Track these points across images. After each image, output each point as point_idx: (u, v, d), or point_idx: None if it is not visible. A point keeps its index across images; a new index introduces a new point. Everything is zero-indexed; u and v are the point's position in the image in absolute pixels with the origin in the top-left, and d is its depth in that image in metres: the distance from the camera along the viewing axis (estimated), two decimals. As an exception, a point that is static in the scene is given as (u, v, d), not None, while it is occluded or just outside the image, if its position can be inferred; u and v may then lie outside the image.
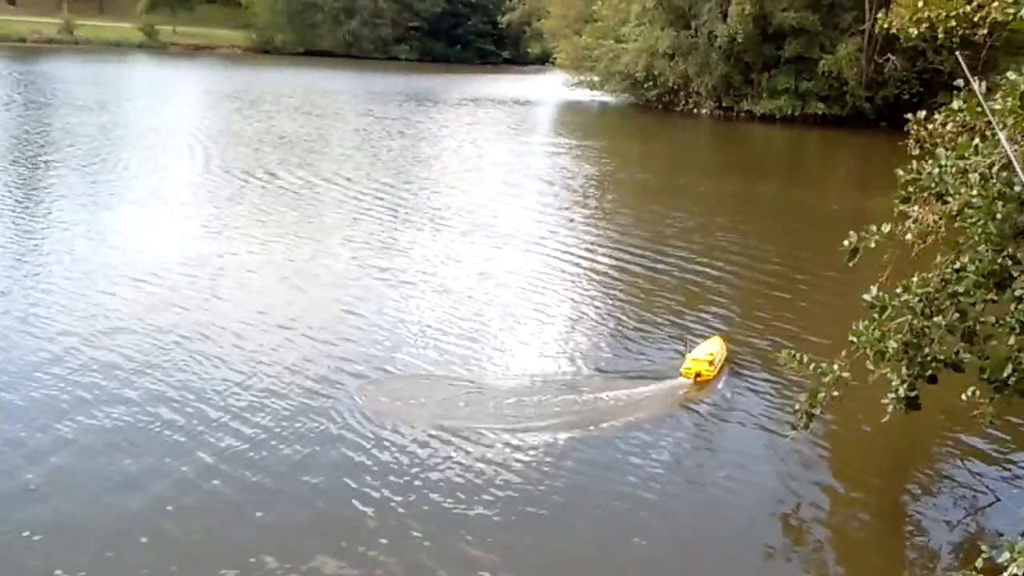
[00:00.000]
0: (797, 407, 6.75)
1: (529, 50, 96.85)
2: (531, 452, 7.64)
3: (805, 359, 6.47)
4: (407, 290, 12.25)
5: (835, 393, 6.33)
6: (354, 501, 6.71)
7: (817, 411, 6.60)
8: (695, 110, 46.43)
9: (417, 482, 7.00)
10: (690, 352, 9.57)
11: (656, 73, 45.88)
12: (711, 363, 9.40)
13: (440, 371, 9.35)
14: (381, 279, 12.70)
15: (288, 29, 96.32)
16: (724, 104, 45.75)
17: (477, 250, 14.68)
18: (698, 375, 9.25)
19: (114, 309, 10.76)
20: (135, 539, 6.08)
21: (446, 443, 7.70)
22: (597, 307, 11.96)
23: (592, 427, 8.16)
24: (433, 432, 7.88)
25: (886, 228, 6.13)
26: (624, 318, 11.51)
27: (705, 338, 10.17)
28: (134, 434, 7.61)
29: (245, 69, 67.67)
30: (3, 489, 6.64)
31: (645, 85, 47.28)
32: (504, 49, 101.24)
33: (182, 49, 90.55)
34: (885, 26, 15.11)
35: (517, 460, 7.47)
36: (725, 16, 42.40)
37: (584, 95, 53.71)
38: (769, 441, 8.15)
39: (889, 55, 39.41)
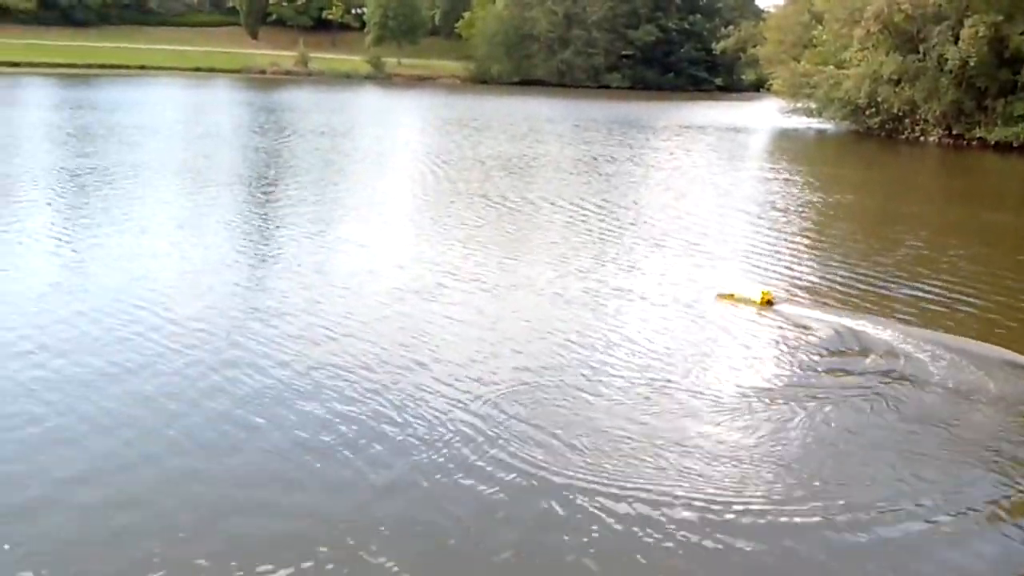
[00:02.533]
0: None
1: (743, 77, 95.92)
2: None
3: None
4: (652, 309, 12.57)
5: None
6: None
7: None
8: (921, 138, 44.72)
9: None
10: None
11: (879, 99, 44.54)
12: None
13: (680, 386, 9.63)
14: (624, 297, 13.07)
15: (505, 59, 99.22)
16: (954, 131, 43.83)
17: (705, 273, 14.79)
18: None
19: (364, 322, 11.54)
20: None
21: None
22: (831, 329, 11.88)
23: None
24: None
25: None
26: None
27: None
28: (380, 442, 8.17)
29: (465, 97, 70.36)
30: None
31: (867, 112, 45.98)
32: (717, 76, 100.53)
33: (405, 79, 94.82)
34: None
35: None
36: (956, 39, 40.66)
37: (801, 122, 52.74)
38: None
39: None
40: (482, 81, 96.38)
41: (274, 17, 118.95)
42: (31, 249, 14.42)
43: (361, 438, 7.87)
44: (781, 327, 11.78)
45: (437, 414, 8.41)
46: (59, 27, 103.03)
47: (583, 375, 9.67)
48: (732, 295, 12.97)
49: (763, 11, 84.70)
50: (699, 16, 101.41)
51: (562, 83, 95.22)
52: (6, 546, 6.00)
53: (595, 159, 31.14)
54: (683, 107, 69.68)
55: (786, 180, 28.37)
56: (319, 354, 9.95)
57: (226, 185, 22.67)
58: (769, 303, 12.55)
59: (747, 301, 12.69)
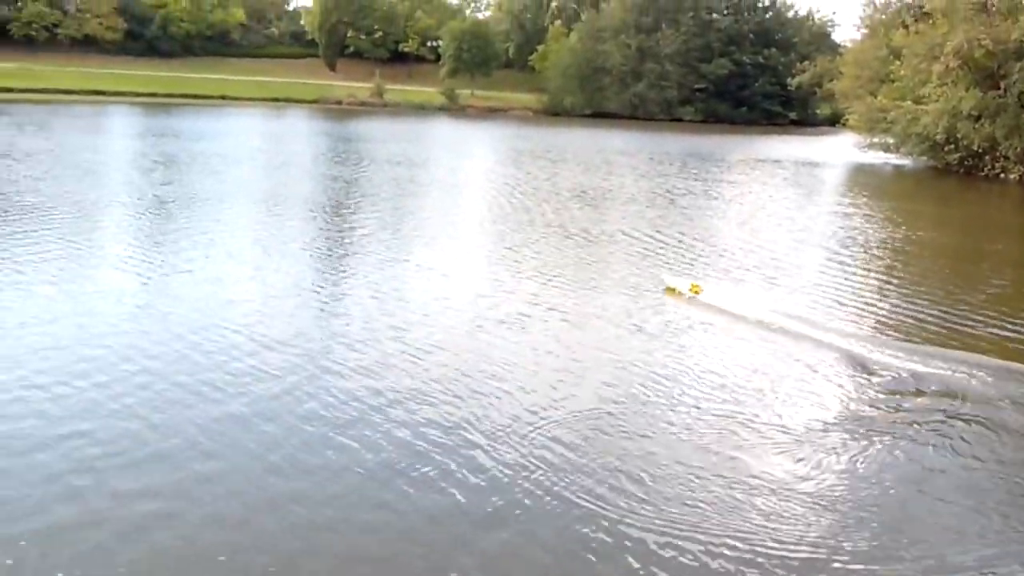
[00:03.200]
0: None
1: (818, 111, 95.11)
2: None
3: None
4: (729, 343, 12.65)
5: None
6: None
7: None
8: (1001, 175, 43.87)
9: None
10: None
11: (959, 135, 43.85)
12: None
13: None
14: (701, 330, 13.15)
15: (577, 92, 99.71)
16: (1037, 169, 43.04)
17: (782, 308, 14.77)
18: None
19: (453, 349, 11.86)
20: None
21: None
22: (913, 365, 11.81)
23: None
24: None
25: None
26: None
27: None
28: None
29: (538, 129, 70.98)
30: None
31: (946, 148, 45.29)
32: (792, 110, 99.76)
33: (478, 111, 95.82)
34: None
35: None
36: (1040, 75, 40.03)
37: (877, 157, 52.16)
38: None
39: None
40: (554, 113, 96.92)
41: (352, 50, 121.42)
42: (123, 273, 14.91)
43: (453, 466, 8.05)
44: (858, 363, 11.71)
45: (524, 444, 8.57)
46: (144, 58, 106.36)
47: (662, 406, 9.79)
48: (674, 289, 15.14)
49: (839, 46, 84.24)
50: (774, 50, 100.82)
51: (634, 116, 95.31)
52: (120, 567, 6.28)
53: (670, 192, 31.20)
54: (757, 141, 69.39)
55: (864, 215, 28.10)
56: (408, 381, 10.17)
57: (307, 212, 23.23)
58: (696, 294, 14.70)
59: (680, 293, 14.93)
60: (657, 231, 22.10)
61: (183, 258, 16.46)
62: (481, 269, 17.11)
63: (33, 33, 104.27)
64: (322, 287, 14.81)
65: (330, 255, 18.04)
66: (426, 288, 15.06)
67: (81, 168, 29.46)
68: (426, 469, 7.98)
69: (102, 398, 9.16)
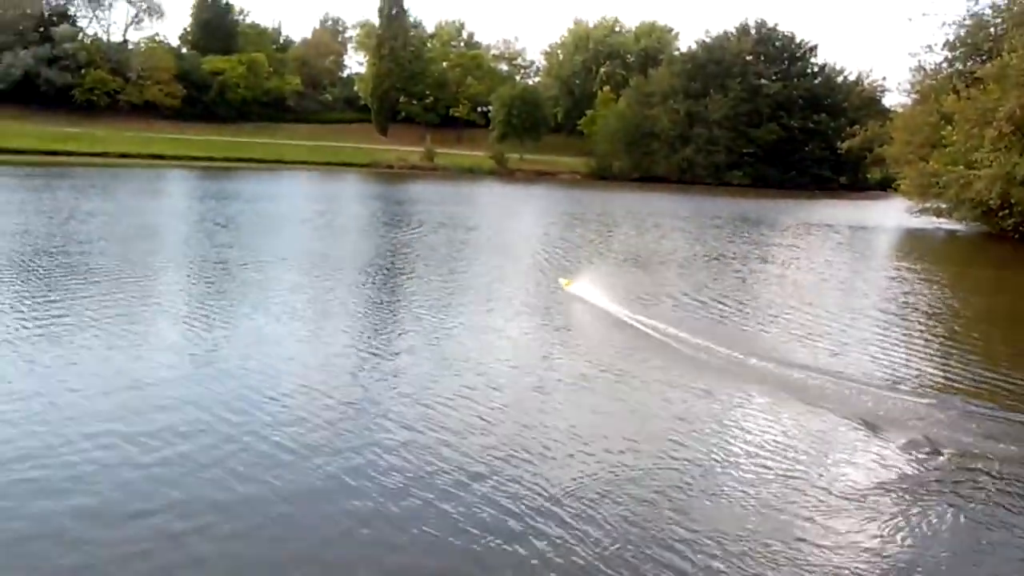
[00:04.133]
0: None
1: (868, 176, 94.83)
2: None
3: None
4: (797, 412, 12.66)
5: None
6: None
7: None
8: (1059, 240, 43.42)
9: None
10: None
11: (1012, 201, 43.46)
12: None
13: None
14: (763, 394, 13.20)
15: (625, 156, 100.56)
16: (1094, 235, 42.50)
17: (838, 369, 14.72)
18: None
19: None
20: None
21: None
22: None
23: None
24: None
25: None
26: None
27: None
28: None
29: (587, 192, 71.61)
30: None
31: (1000, 213, 44.88)
32: (842, 175, 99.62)
33: (527, 174, 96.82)
34: None
35: None
36: (1094, 142, 39.69)
37: (929, 223, 51.79)
38: None
39: None
40: (602, 177, 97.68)
41: (403, 115, 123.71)
42: (188, 331, 15.23)
43: (537, 525, 8.21)
44: (928, 424, 11.63)
45: (599, 509, 8.65)
46: (201, 123, 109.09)
47: (724, 469, 9.81)
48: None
49: (890, 110, 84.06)
50: (824, 115, 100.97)
51: (682, 180, 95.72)
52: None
53: (723, 256, 31.25)
54: (808, 205, 69.31)
55: (919, 280, 27.90)
56: (482, 442, 10.29)
57: (363, 273, 23.68)
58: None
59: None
60: (714, 295, 22.14)
61: (244, 316, 16.81)
62: (542, 331, 17.19)
63: (95, 99, 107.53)
64: (383, 348, 14.99)
65: (389, 315, 18.33)
66: (490, 350, 15.18)
67: (142, 229, 30.32)
68: (511, 525, 8.17)
69: (176, 465, 9.22)
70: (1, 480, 8.63)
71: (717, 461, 10.08)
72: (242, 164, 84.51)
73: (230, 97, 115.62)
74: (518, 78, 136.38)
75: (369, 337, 15.77)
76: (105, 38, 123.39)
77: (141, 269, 21.85)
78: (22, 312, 15.86)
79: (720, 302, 21.15)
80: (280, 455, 9.63)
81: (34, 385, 11.60)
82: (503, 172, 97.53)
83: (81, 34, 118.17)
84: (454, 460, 9.68)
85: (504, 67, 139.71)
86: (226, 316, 16.77)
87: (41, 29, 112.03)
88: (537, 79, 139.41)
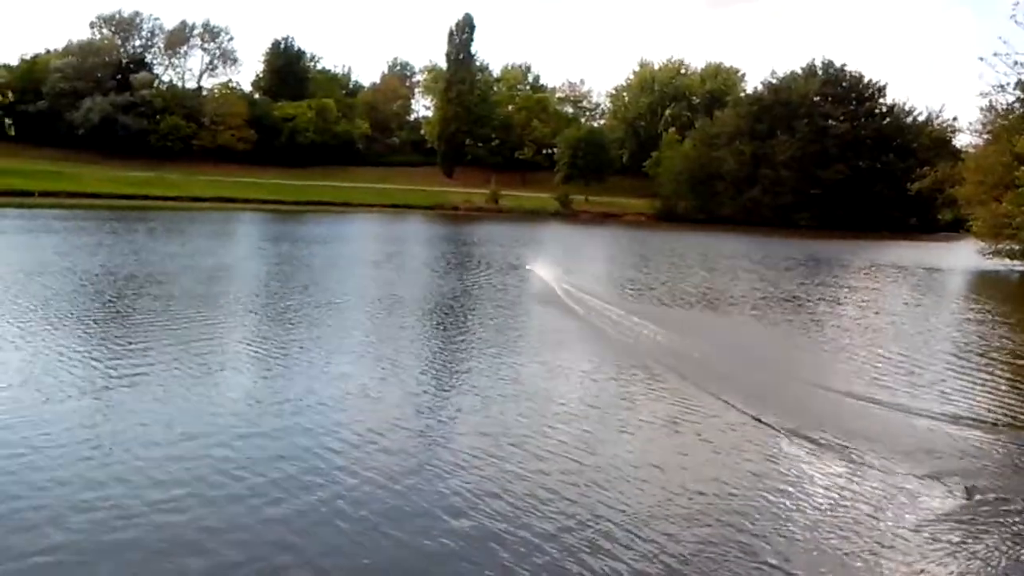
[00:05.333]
0: None
1: (940, 217, 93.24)
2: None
3: None
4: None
5: None
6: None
7: None
8: None
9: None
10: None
11: (1086, 244, 42.63)
12: None
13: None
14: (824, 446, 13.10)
15: (691, 197, 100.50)
16: None
17: (916, 416, 14.54)
18: None
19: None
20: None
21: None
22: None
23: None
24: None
25: None
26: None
27: None
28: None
29: (653, 233, 71.59)
30: None
31: (1076, 255, 44.03)
32: (911, 216, 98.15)
33: (591, 216, 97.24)
34: None
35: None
36: None
37: (1001, 264, 50.80)
38: None
39: None
40: (667, 219, 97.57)
41: (469, 157, 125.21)
42: (263, 366, 15.63)
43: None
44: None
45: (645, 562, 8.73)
46: (272, 167, 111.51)
47: (774, 526, 9.53)
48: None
49: (961, 151, 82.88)
50: (893, 156, 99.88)
51: (749, 221, 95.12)
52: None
53: (795, 297, 30.99)
54: (877, 246, 68.43)
55: (995, 322, 27.42)
56: (572, 494, 10.14)
57: (431, 312, 24.00)
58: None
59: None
60: (785, 336, 22.04)
61: (317, 353, 17.07)
62: (611, 371, 17.18)
63: (169, 144, 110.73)
64: (455, 386, 15.16)
65: (455, 354, 18.47)
66: (564, 389, 15.19)
67: (219, 271, 31.13)
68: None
69: (245, 506, 9.25)
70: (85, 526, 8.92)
71: (778, 517, 10.01)
72: (311, 207, 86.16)
73: (300, 141, 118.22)
74: (583, 120, 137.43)
75: (439, 376, 15.96)
76: (180, 85, 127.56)
77: (221, 310, 22.29)
78: (107, 350, 16.39)
79: (782, 344, 21.03)
80: (347, 494, 9.71)
81: (122, 425, 11.96)
82: (568, 214, 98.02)
83: (157, 81, 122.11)
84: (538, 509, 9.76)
85: (569, 109, 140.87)
86: (295, 354, 17.04)
87: (119, 76, 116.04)
88: (602, 121, 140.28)
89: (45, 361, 15.04)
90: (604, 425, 12.95)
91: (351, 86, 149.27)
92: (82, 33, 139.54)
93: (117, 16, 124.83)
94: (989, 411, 14.95)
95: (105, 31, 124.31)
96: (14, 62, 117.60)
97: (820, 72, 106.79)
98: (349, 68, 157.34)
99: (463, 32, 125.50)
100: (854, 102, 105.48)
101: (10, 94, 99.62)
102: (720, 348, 19.68)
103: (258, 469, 10.22)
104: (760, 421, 13.31)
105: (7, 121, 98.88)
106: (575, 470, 10.73)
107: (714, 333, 21.99)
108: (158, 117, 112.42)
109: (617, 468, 10.92)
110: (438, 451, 11.31)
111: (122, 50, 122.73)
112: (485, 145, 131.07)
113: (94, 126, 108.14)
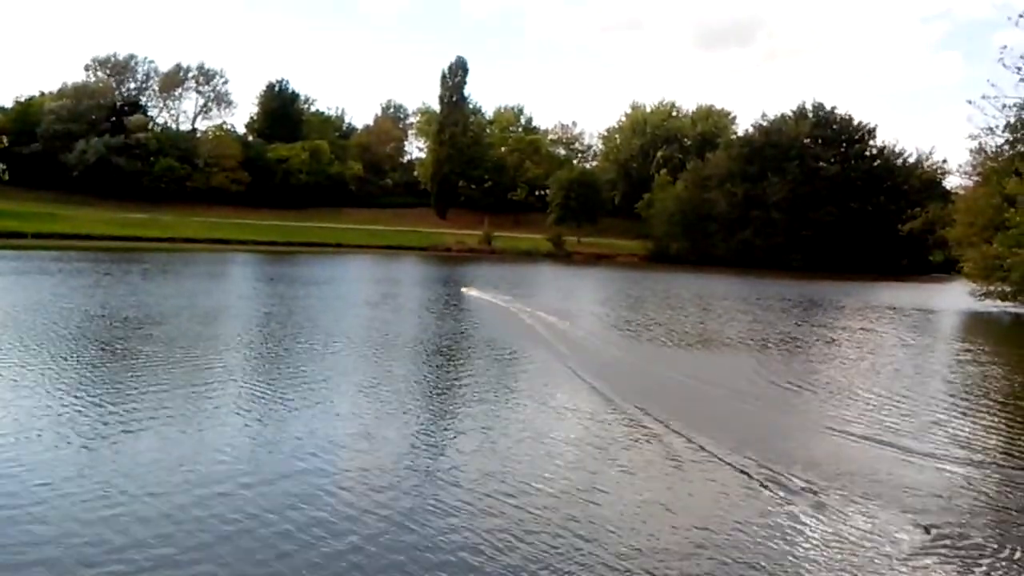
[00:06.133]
0: None
1: (931, 258, 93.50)
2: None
3: None
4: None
5: None
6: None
7: None
8: None
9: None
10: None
11: (1079, 285, 42.86)
12: None
13: None
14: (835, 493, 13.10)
15: (683, 238, 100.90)
16: None
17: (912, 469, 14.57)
18: None
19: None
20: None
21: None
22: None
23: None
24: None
25: None
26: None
27: None
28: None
29: (646, 275, 71.65)
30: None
31: (1067, 297, 44.23)
32: (902, 257, 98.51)
33: (584, 257, 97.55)
34: None
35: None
36: None
37: (993, 306, 51.01)
38: None
39: None
40: (660, 260, 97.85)
41: (462, 199, 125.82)
42: (266, 408, 15.62)
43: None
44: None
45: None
46: (266, 208, 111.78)
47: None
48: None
49: (951, 192, 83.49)
50: (883, 197, 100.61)
51: (740, 262, 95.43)
52: None
53: (793, 338, 31.10)
54: (869, 287, 68.76)
55: (987, 363, 27.54)
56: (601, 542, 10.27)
57: (427, 353, 23.97)
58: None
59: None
60: (788, 378, 22.08)
61: (311, 396, 17.08)
62: (609, 413, 17.17)
63: (163, 185, 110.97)
64: (472, 428, 15.17)
65: (453, 395, 18.49)
66: (568, 429, 15.26)
67: (214, 312, 31.18)
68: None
69: (253, 561, 9.18)
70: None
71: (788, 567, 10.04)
72: (305, 248, 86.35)
73: (293, 183, 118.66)
74: (576, 162, 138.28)
75: (439, 418, 16.02)
76: (175, 127, 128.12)
77: (221, 351, 22.30)
78: (109, 393, 16.40)
79: (798, 386, 21.08)
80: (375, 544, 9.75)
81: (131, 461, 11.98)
82: (560, 255, 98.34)
83: (151, 123, 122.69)
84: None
85: (562, 151, 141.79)
86: (292, 394, 17.05)
87: (113, 118, 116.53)
88: (594, 163, 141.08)
89: (47, 406, 15.01)
90: (605, 465, 13.00)
91: (345, 128, 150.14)
92: (77, 75, 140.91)
93: (112, 59, 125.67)
94: (985, 450, 15.03)
95: (100, 73, 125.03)
96: (8, 104, 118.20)
97: (810, 115, 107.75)
98: (343, 110, 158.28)
99: (456, 75, 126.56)
100: (844, 144, 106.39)
101: (4, 139, 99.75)
102: (716, 387, 19.79)
103: (266, 519, 10.14)
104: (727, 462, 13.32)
105: (1, 166, 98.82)
106: (579, 515, 10.76)
107: (714, 372, 22.04)
108: (152, 159, 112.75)
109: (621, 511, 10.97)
110: (447, 492, 11.29)
111: (117, 92, 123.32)
112: (478, 187, 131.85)
113: (88, 167, 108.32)
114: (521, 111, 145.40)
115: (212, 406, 15.80)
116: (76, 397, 15.70)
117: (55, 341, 22.11)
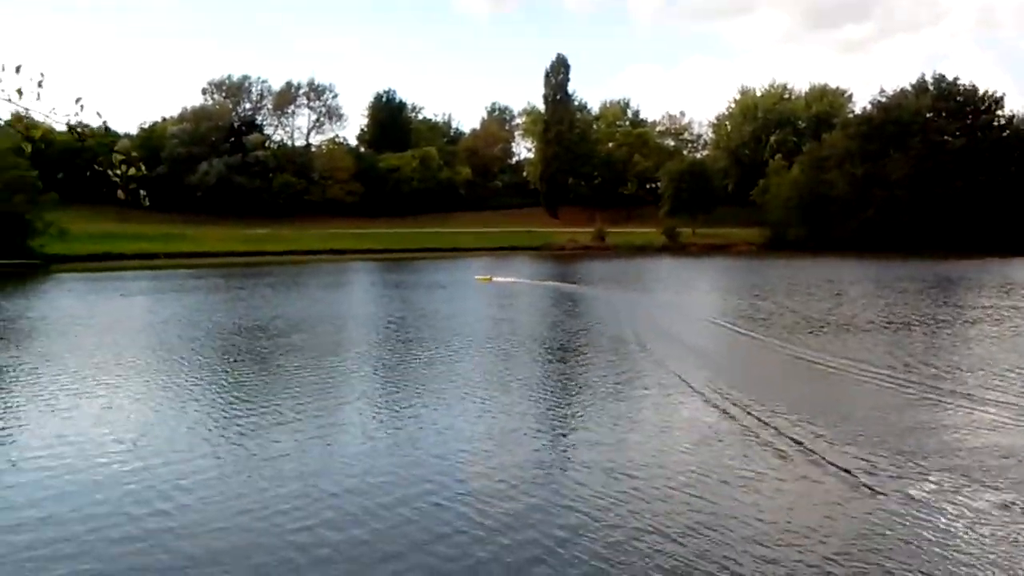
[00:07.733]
0: None
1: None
2: None
3: None
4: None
5: None
6: None
7: None
8: None
9: None
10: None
11: None
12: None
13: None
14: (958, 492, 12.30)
15: (800, 224, 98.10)
16: None
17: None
18: None
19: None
20: None
21: None
22: None
23: None
24: None
25: None
26: None
27: None
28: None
29: (765, 263, 70.20)
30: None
31: None
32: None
33: (700, 248, 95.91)
34: None
35: None
36: None
37: None
38: None
39: None
40: (777, 247, 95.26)
41: (572, 196, 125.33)
42: (362, 416, 15.74)
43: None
44: None
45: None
46: (380, 217, 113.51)
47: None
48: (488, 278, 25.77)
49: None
50: (1014, 169, 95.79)
51: (862, 245, 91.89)
52: None
53: (947, 318, 29.81)
54: (1005, 264, 65.46)
55: None
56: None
57: (545, 353, 23.86)
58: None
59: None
60: (917, 359, 21.06)
61: (424, 399, 17.26)
62: (738, 404, 16.51)
63: (281, 201, 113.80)
64: (560, 428, 14.98)
65: (567, 394, 18.22)
66: (685, 424, 14.89)
67: (346, 320, 31.86)
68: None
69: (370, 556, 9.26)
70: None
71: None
72: (420, 254, 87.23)
73: (405, 190, 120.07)
74: (686, 152, 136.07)
75: (550, 418, 15.70)
76: (290, 143, 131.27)
77: (361, 357, 22.82)
78: (256, 398, 16.70)
79: (909, 367, 20.08)
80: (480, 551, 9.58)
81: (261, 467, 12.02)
82: (675, 247, 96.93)
83: (268, 141, 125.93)
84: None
85: (671, 142, 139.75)
86: (410, 397, 17.17)
87: (232, 139, 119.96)
88: (705, 152, 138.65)
89: (196, 412, 15.75)
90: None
91: (452, 133, 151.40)
92: (195, 99, 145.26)
93: (227, 81, 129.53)
94: None
95: (216, 96, 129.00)
96: (134, 131, 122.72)
97: (931, 88, 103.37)
98: (449, 115, 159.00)
99: (558, 73, 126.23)
100: (970, 115, 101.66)
101: (143, 166, 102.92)
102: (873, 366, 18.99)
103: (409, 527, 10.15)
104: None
105: (142, 192, 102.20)
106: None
107: (872, 353, 21.15)
108: (270, 175, 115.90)
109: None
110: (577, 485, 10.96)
111: (234, 113, 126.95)
112: (587, 183, 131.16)
113: (210, 187, 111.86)
114: (627, 104, 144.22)
115: (356, 409, 16.03)
116: (255, 405, 16.14)
117: (218, 352, 23.33)
